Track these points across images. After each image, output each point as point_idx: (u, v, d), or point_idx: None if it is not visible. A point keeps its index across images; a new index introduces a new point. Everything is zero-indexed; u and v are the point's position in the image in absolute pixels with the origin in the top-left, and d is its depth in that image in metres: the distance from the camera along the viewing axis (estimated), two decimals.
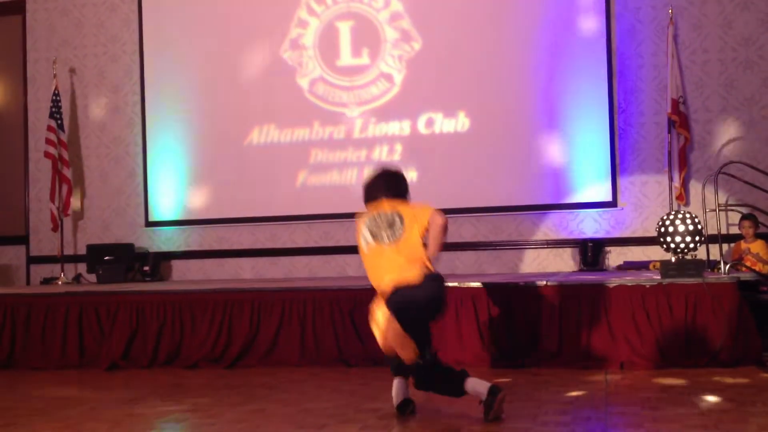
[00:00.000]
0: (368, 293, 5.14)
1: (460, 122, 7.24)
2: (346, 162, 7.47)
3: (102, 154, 7.95)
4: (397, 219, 3.68)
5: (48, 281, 7.58)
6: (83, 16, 8.02)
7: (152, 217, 7.76)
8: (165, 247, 7.73)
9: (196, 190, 7.70)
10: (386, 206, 3.75)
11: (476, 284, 5.03)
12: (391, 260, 3.59)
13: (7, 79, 8.26)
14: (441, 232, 3.65)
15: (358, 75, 7.49)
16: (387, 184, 3.84)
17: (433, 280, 3.57)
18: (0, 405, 4.25)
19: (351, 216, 7.26)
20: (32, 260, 7.98)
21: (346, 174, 7.48)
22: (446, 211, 6.95)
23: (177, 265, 7.73)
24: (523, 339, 4.83)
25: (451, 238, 7.11)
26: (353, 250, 7.24)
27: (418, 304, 3.51)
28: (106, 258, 7.36)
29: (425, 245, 3.66)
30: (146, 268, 7.39)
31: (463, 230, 7.10)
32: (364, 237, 3.72)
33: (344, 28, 7.56)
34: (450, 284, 5.10)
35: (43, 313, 5.61)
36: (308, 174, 7.55)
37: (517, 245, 7.01)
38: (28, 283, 7.93)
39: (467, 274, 6.91)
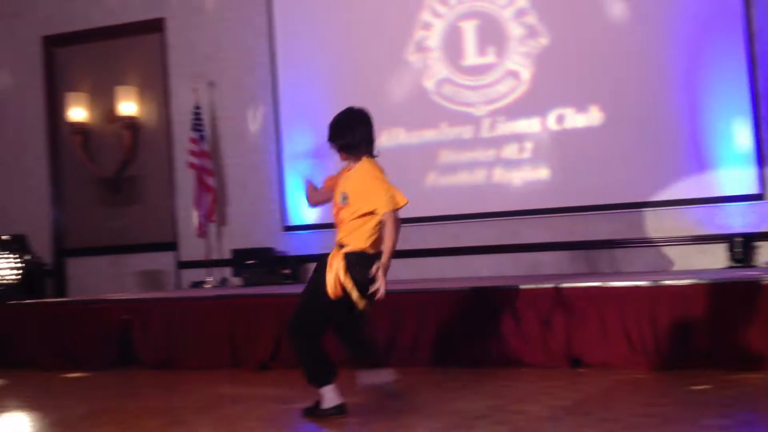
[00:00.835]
0: (502, 294, 5.20)
1: (593, 117, 7.11)
2: (475, 162, 7.49)
3: (241, 162, 8.32)
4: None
5: (197, 285, 8.02)
6: (219, 31, 8.42)
7: (290, 222, 8.07)
8: (302, 251, 8.01)
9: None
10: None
11: (619, 284, 4.96)
12: None
13: (151, 95, 8.77)
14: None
15: (485, 74, 7.50)
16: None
17: None
18: (163, 404, 4.55)
19: (482, 216, 7.40)
20: (182, 265, 8.46)
21: (475, 174, 7.50)
22: (580, 209, 7.03)
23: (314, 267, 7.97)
24: (675, 340, 4.71)
25: (586, 236, 7.05)
26: (485, 250, 7.36)
27: None
28: (250, 261, 7.72)
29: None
30: (287, 270, 7.69)
31: (600, 228, 6.97)
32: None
33: (469, 28, 7.58)
34: (592, 284, 5.07)
35: (196, 315, 5.95)
36: (437, 175, 7.63)
37: (658, 242, 6.82)
38: (178, 287, 8.41)
39: (607, 273, 6.78)
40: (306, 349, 3.81)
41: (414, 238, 7.63)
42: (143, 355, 6.05)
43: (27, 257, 7.65)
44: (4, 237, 7.75)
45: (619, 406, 3.79)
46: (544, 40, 7.31)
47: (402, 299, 5.41)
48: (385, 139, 7.77)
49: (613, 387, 4.35)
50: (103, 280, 8.68)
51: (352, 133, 3.93)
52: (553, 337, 5.02)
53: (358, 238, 3.78)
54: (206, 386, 5.13)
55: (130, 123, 8.70)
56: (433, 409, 3.92)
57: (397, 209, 3.82)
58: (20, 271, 6.82)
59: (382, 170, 3.95)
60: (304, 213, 7.99)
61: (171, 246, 8.51)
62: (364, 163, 3.90)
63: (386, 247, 3.74)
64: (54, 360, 6.17)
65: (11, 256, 6.84)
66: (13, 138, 9.18)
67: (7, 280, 6.73)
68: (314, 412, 3.84)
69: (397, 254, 7.57)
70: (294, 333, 3.85)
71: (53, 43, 9.09)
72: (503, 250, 7.28)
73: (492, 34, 7.46)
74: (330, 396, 3.79)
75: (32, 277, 7.57)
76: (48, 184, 9.04)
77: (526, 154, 7.30)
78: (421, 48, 7.70)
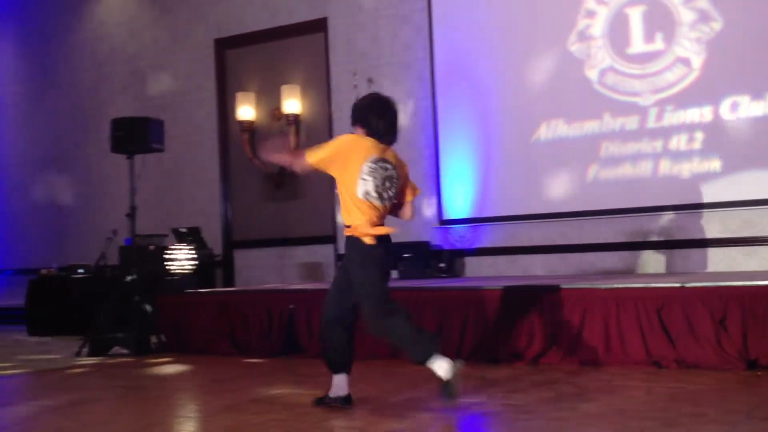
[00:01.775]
0: (676, 291, 4.94)
1: None
2: (639, 154, 7.19)
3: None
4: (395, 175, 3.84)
5: None
6: (378, 28, 8.57)
7: (446, 216, 8.08)
8: (458, 245, 8.01)
9: (486, 189, 7.88)
10: (389, 153, 3.88)
11: None
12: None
13: (314, 92, 9.07)
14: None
15: (652, 61, 7.17)
16: (394, 124, 3.91)
17: None
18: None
19: (647, 210, 7.09)
20: (340, 258, 8.67)
21: (640, 166, 7.20)
22: (755, 203, 6.58)
23: (470, 261, 7.96)
24: None
25: (763, 231, 6.58)
26: (651, 245, 7.04)
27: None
28: (405, 255, 7.80)
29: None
30: (442, 264, 7.71)
31: None
32: (363, 180, 3.73)
33: (635, 14, 7.28)
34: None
35: None
36: (599, 168, 7.38)
37: None
38: None
39: None
40: (400, 325, 3.76)
41: (575, 232, 7.44)
42: (306, 343, 6.24)
43: (201, 249, 8.11)
44: (181, 229, 8.27)
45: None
46: (716, 25, 6.89)
47: (563, 295, 5.26)
48: (544, 131, 7.62)
49: None
50: (267, 271, 9.09)
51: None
52: (728, 337, 4.71)
53: None
54: (367, 376, 5.21)
55: (294, 120, 9.04)
56: (607, 408, 3.79)
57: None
58: (195, 262, 7.24)
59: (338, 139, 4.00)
60: (460, 207, 7.98)
61: (330, 239, 8.76)
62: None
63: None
64: (224, 346, 6.50)
65: (188, 247, 7.28)
66: (188, 137, 9.78)
67: (184, 270, 7.17)
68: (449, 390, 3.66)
69: (556, 249, 7.48)
70: (378, 317, 3.79)
71: (225, 46, 9.61)
72: (671, 245, 6.95)
73: (660, 20, 7.12)
74: (443, 365, 3.67)
75: (205, 268, 8.03)
76: (219, 179, 9.57)
77: (696, 145, 6.92)
78: (584, 37, 7.47)
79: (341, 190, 3.88)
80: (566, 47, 7.54)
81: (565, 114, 7.53)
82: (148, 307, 6.78)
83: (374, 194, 3.81)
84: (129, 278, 6.84)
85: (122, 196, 7.82)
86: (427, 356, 3.72)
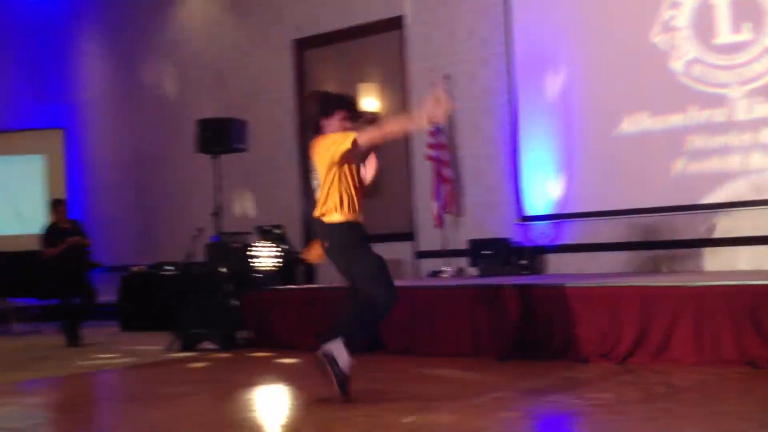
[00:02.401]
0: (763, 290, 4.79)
1: None
2: (728, 147, 6.99)
3: (477, 154, 8.41)
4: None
5: (435, 274, 8.23)
6: (455, 24, 8.55)
7: (526, 212, 8.02)
8: (539, 241, 7.94)
9: (567, 185, 7.78)
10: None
11: None
12: None
13: (391, 90, 9.12)
14: None
15: (740, 52, 6.95)
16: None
17: None
18: (410, 390, 4.70)
19: (737, 205, 6.88)
20: (419, 255, 8.73)
21: (728, 161, 7.00)
22: None
23: (551, 258, 7.88)
24: None
25: None
26: (743, 242, 6.83)
27: None
28: (485, 252, 7.79)
29: None
30: (523, 261, 7.66)
31: None
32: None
33: (722, 4, 7.06)
34: None
35: (437, 303, 6.10)
36: (685, 162, 7.20)
37: None
38: (416, 276, 8.68)
39: None
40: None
41: (661, 229, 7.29)
42: (387, 340, 6.30)
43: (284, 246, 8.27)
44: (265, 227, 8.45)
45: None
46: None
47: (653, 293, 5.17)
48: (627, 124, 7.48)
49: None
50: None
51: None
52: None
53: None
54: (451, 374, 5.24)
55: (372, 118, 9.10)
56: (700, 409, 3.72)
57: None
58: (279, 259, 7.40)
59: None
60: (541, 203, 7.91)
61: (409, 236, 8.80)
62: None
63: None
64: (308, 342, 6.61)
65: (271, 244, 7.44)
66: (268, 136, 9.97)
67: (268, 266, 7.33)
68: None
69: (641, 246, 7.33)
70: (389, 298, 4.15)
71: (303, 46, 9.75)
72: (764, 241, 6.73)
73: (748, 10, 6.90)
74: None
75: (288, 265, 8.18)
76: (298, 177, 9.73)
77: None
78: (668, 28, 7.30)
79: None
80: (649, 39, 7.38)
81: (648, 107, 7.37)
82: (234, 303, 6.96)
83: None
84: (215, 275, 7.04)
85: (207, 195, 8.05)
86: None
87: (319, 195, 4.22)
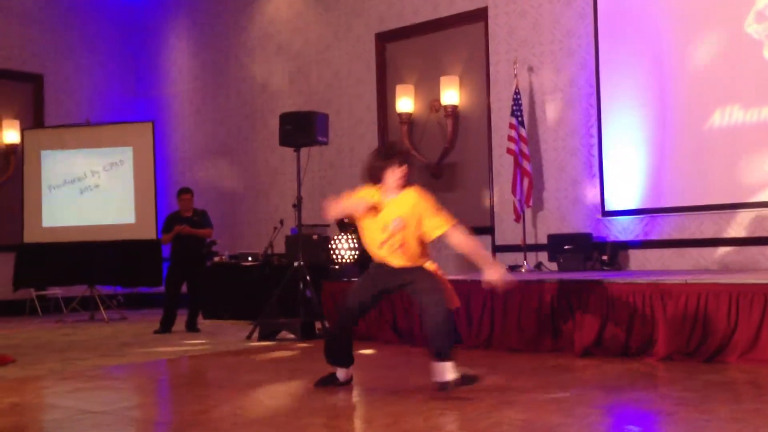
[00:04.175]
0: None
1: None
2: None
3: (559, 147, 8.26)
4: None
5: (513, 269, 8.12)
6: (540, 15, 8.41)
7: (608, 207, 7.83)
8: (622, 237, 7.74)
9: (652, 179, 7.55)
10: None
11: None
12: None
13: (473, 82, 9.05)
14: None
15: None
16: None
17: None
18: (491, 383, 4.65)
19: None
20: (498, 249, 8.64)
21: None
22: None
23: (634, 254, 7.67)
24: None
25: None
26: None
27: None
28: (566, 247, 7.64)
29: None
30: (605, 257, 7.49)
31: None
32: None
33: None
34: None
35: (517, 298, 6.02)
36: None
37: None
38: None
39: None
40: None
41: (754, 225, 7.00)
42: (465, 334, 6.26)
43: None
44: (344, 220, 8.53)
45: None
46: None
47: (743, 290, 4.97)
48: (718, 117, 7.21)
49: None
50: None
51: None
52: None
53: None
54: (529, 369, 5.17)
55: (453, 111, 9.06)
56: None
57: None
58: (356, 252, 7.45)
59: None
60: (625, 198, 7.70)
61: (488, 230, 8.72)
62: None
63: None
64: (386, 334, 6.64)
65: (349, 237, 7.50)
66: (349, 130, 10.05)
67: (346, 258, 7.39)
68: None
69: (731, 242, 7.06)
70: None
71: (385, 39, 9.78)
72: None
73: None
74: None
75: (365, 257, 8.22)
76: None
77: None
78: (763, 17, 6.99)
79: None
80: (743, 28, 7.08)
81: (741, 99, 7.08)
82: (313, 294, 7.04)
83: None
84: (295, 265, 7.13)
85: (288, 187, 8.20)
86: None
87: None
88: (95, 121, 11.35)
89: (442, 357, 4.10)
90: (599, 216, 7.89)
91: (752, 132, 7.01)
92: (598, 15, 7.92)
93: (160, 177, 11.41)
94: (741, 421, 3.41)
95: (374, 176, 4.33)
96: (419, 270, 4.32)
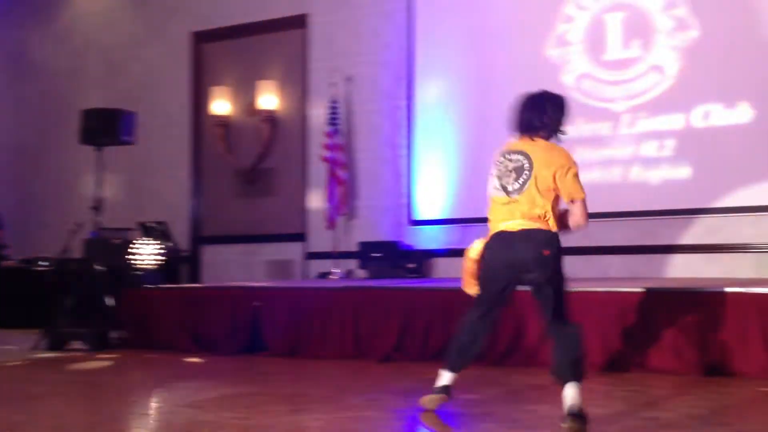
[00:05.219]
0: (638, 296, 4.92)
1: (743, 113, 6.66)
2: (611, 160, 7.19)
3: (373, 156, 8.38)
4: (525, 162, 3.39)
5: (323, 276, 8.13)
6: (359, 26, 8.51)
7: (417, 216, 8.03)
8: (429, 246, 7.96)
9: (462, 190, 7.83)
10: (517, 144, 3.49)
11: (761, 290, 4.60)
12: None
13: (291, 88, 8.99)
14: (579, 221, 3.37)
15: (627, 68, 7.19)
16: (522, 114, 3.51)
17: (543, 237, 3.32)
18: (289, 391, 4.59)
19: (616, 216, 7.08)
20: (310, 256, 8.61)
21: (610, 172, 7.21)
22: (723, 211, 6.60)
23: (441, 263, 7.92)
24: None
25: (728, 239, 6.59)
26: (617, 250, 7.03)
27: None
28: (375, 255, 7.75)
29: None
30: (412, 265, 7.66)
31: (743, 231, 6.56)
32: (492, 179, 3.48)
33: (614, 21, 7.29)
34: (735, 290, 4.72)
35: (323, 305, 6.00)
36: None
37: None
38: (305, 277, 8.57)
39: (749, 278, 6.33)
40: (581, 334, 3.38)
41: None
42: (271, 342, 6.16)
43: (168, 243, 8.00)
44: (148, 223, 8.17)
45: (759, 419, 3.49)
46: (693, 33, 6.91)
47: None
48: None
49: (753, 398, 4.03)
50: (234, 267, 8.99)
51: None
52: (689, 343, 4.71)
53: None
54: (330, 376, 5.15)
55: (269, 116, 8.95)
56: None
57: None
58: (161, 257, 7.13)
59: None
60: (432, 208, 7.94)
61: (300, 237, 8.68)
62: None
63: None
64: (186, 343, 6.40)
65: (154, 242, 7.17)
66: (161, 130, 9.65)
67: (149, 264, 7.05)
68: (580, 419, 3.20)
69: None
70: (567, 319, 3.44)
71: (201, 39, 9.50)
72: (637, 250, 6.97)
73: (639, 27, 7.14)
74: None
75: (171, 263, 7.92)
76: (189, 174, 9.45)
77: (667, 152, 6.94)
78: (562, 42, 7.46)
79: None
80: (544, 52, 7.53)
81: None
82: (110, 302, 6.66)
83: (496, 188, 3.51)
84: (92, 272, 6.73)
85: (91, 188, 7.69)
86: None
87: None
88: None
89: None
90: (408, 225, 8.07)
91: None
92: (415, 30, 8.12)
93: None
94: (518, 421, 3.55)
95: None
96: None
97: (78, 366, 5.79)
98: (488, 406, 3.97)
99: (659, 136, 6.98)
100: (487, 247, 3.52)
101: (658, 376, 4.66)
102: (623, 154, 7.13)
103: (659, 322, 4.78)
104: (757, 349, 4.53)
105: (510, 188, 3.46)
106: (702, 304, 4.76)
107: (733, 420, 3.58)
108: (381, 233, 8.21)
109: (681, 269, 6.79)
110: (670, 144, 6.94)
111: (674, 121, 6.93)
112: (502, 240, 3.47)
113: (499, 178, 3.51)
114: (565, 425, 3.14)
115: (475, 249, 3.54)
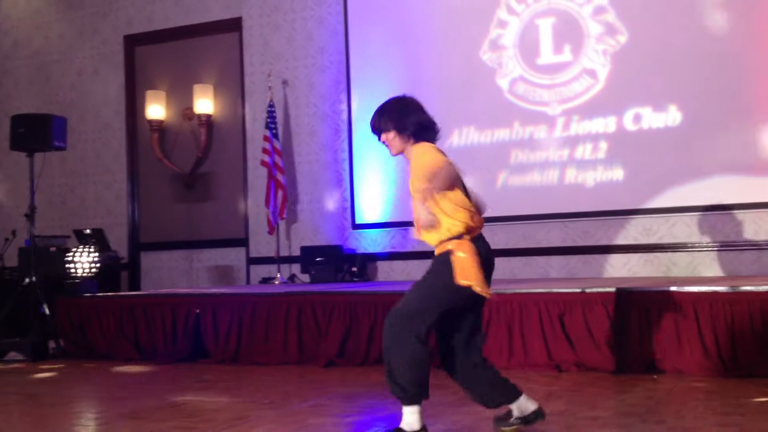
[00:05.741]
0: (576, 297, 5.07)
1: (671, 116, 6.91)
2: (547, 162, 7.36)
3: (312, 160, 8.38)
4: None
5: (266, 281, 8.10)
6: (294, 30, 8.50)
7: (359, 220, 8.07)
8: (371, 249, 8.01)
9: (400, 194, 7.90)
10: None
11: (695, 289, 4.79)
12: None
13: (226, 93, 8.92)
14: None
15: (560, 72, 7.36)
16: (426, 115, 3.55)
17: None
18: (231, 399, 4.59)
19: (552, 217, 7.27)
20: (252, 261, 8.57)
21: (547, 174, 7.37)
22: (656, 211, 6.84)
23: (382, 266, 7.98)
24: (753, 347, 4.51)
25: (663, 239, 6.84)
26: (555, 251, 7.22)
27: None
28: (318, 259, 7.76)
29: None
30: (354, 268, 7.70)
31: (677, 231, 6.80)
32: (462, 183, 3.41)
33: (545, 26, 7.45)
34: (667, 289, 4.90)
35: (265, 310, 6.00)
36: (508, 175, 7.52)
37: (738, 246, 6.57)
38: (248, 282, 8.52)
39: (683, 277, 6.57)
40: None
41: (487, 238, 7.54)
42: (212, 349, 6.13)
43: (104, 251, 7.87)
44: (84, 231, 8.01)
45: (693, 415, 3.65)
46: (622, 38, 7.13)
47: None
48: (456, 137, 7.71)
49: (688, 395, 4.20)
50: (175, 274, 8.89)
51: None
52: (627, 342, 4.88)
53: None
54: (274, 382, 5.16)
55: (206, 121, 8.87)
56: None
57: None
58: (97, 265, 7.01)
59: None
60: (373, 212, 7.99)
61: (242, 242, 8.63)
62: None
63: None
64: (126, 351, 6.32)
65: (90, 249, 7.04)
66: (94, 135, 9.47)
67: (85, 272, 6.92)
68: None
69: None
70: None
71: (134, 42, 9.34)
72: (574, 251, 7.16)
73: (569, 32, 7.32)
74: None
75: (108, 270, 7.79)
76: (126, 179, 9.30)
77: (601, 155, 7.13)
78: (496, 46, 7.61)
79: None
80: (479, 56, 7.66)
81: (476, 121, 7.64)
82: (47, 311, 6.52)
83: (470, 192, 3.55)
84: (27, 281, 6.59)
85: (23, 195, 7.52)
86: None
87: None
88: None
89: None
90: (350, 229, 8.11)
91: (486, 152, 7.57)
92: (349, 34, 8.16)
93: None
94: (459, 422, 3.63)
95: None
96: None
97: (15, 377, 5.66)
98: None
99: (593, 138, 7.18)
100: (475, 242, 3.41)
101: (597, 374, 4.80)
102: (558, 156, 7.31)
103: (598, 322, 4.92)
104: (693, 346, 4.71)
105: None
106: (639, 303, 4.92)
107: (668, 416, 3.72)
108: (322, 237, 8.23)
109: (619, 269, 6.99)
110: (604, 146, 7.14)
111: (607, 124, 7.14)
112: (484, 240, 3.50)
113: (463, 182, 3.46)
114: None
115: (471, 246, 3.38)
